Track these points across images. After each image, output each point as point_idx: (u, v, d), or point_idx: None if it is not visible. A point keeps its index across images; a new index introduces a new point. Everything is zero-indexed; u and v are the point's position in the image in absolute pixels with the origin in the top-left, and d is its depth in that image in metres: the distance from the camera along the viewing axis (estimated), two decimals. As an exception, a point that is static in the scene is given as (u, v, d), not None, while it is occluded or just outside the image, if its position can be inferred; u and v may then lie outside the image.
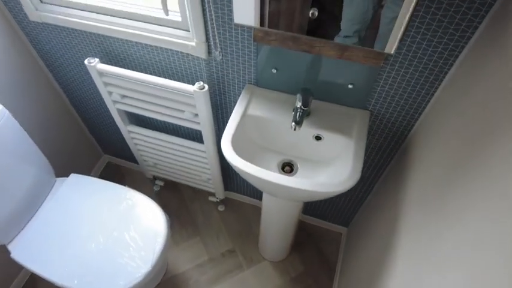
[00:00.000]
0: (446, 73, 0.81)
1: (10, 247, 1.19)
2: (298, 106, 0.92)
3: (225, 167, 1.54)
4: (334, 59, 0.89)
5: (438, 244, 0.61)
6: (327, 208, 1.57)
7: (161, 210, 1.24)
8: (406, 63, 0.83)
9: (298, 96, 0.93)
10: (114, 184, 1.31)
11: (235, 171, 1.56)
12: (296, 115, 0.90)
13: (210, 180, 1.53)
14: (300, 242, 1.67)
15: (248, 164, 0.87)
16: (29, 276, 1.57)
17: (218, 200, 1.70)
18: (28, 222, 1.24)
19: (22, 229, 1.23)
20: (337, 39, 0.80)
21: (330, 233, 1.70)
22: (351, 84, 0.94)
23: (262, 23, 0.81)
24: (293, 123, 0.88)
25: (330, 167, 1.01)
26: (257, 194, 1.70)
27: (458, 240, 0.54)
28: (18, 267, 1.53)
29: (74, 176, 1.35)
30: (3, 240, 1.18)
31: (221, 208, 1.76)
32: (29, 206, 1.24)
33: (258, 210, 1.76)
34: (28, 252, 1.17)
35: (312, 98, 0.95)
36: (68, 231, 1.20)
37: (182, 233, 1.69)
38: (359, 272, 1.25)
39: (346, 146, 0.94)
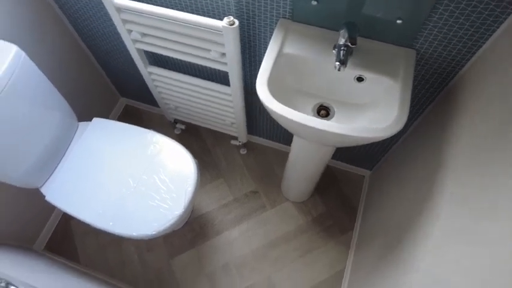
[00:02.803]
0: (517, 4, 0.72)
1: (43, 190, 1.20)
2: (341, 43, 0.84)
3: (250, 110, 1.49)
4: (385, -12, 0.78)
5: (496, 191, 0.59)
6: (352, 151, 1.55)
7: (189, 153, 1.23)
8: (471, -8, 0.73)
9: (343, 32, 0.84)
10: (138, 128, 1.28)
11: (259, 115, 1.52)
12: (340, 53, 0.83)
13: (233, 124, 1.49)
14: (322, 183, 1.68)
15: (288, 109, 0.82)
16: (61, 216, 1.63)
17: (240, 144, 1.68)
18: (57, 166, 1.24)
19: (52, 173, 1.23)
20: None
21: (352, 176, 1.71)
22: (399, 19, 0.84)
23: None
24: (337, 63, 0.81)
25: (369, 111, 0.95)
26: (280, 138, 1.67)
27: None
28: (50, 208, 1.58)
29: (97, 120, 1.32)
30: (35, 184, 1.19)
31: (243, 151, 1.75)
32: (56, 151, 1.23)
33: (280, 154, 1.75)
34: (61, 194, 1.19)
35: (357, 35, 0.86)
36: (97, 175, 1.21)
37: (206, 175, 1.71)
38: (383, 215, 1.27)
39: (391, 89, 0.88)
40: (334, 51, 0.91)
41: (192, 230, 1.58)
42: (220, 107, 1.38)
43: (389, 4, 0.82)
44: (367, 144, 1.44)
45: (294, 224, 1.60)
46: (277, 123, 1.53)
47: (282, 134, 1.62)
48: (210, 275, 1.50)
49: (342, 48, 0.84)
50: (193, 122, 1.64)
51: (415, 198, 0.99)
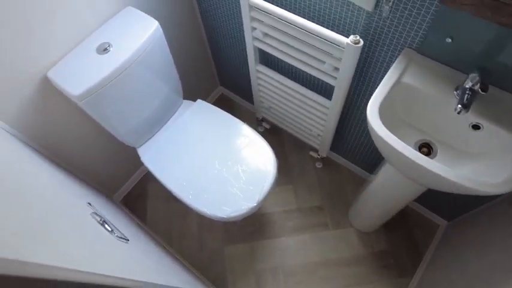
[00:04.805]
0: None
1: (140, 151, 1.34)
2: (467, 86, 0.81)
3: (339, 128, 1.49)
4: (536, 40, 0.74)
5: None
6: (436, 196, 1.46)
7: (273, 153, 1.28)
8: None
9: (473, 75, 0.81)
10: (235, 118, 1.37)
11: (347, 134, 1.51)
12: (464, 97, 0.80)
13: (319, 136, 1.51)
14: (392, 220, 1.61)
15: (395, 138, 0.81)
16: (142, 177, 1.80)
17: (319, 157, 1.68)
18: (155, 133, 1.38)
19: (150, 138, 1.37)
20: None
21: (426, 221, 1.61)
22: (542, 74, 0.78)
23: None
24: (459, 106, 0.78)
25: (475, 161, 0.90)
26: (361, 163, 1.64)
27: None
28: (135, 167, 1.75)
29: (200, 102, 1.44)
30: (134, 143, 1.34)
31: (319, 165, 1.76)
32: (158, 120, 1.37)
33: (356, 178, 1.72)
34: (154, 159, 1.32)
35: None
36: (188, 150, 1.31)
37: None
38: (453, 274, 1.18)
39: (509, 144, 0.82)
40: (455, 92, 0.88)
41: (252, 224, 1.63)
42: (313, 117, 1.40)
43: (535, 57, 0.77)
44: (458, 195, 1.35)
45: (352, 252, 1.56)
46: (363, 147, 1.51)
47: (366, 160, 1.59)
48: (258, 273, 1.53)
49: (467, 91, 0.80)
50: (279, 125, 1.69)
51: (500, 269, 0.91)
